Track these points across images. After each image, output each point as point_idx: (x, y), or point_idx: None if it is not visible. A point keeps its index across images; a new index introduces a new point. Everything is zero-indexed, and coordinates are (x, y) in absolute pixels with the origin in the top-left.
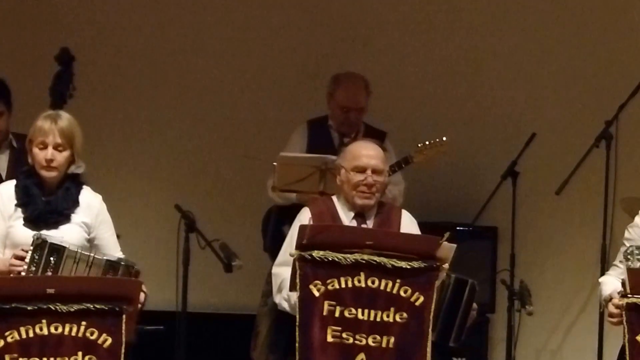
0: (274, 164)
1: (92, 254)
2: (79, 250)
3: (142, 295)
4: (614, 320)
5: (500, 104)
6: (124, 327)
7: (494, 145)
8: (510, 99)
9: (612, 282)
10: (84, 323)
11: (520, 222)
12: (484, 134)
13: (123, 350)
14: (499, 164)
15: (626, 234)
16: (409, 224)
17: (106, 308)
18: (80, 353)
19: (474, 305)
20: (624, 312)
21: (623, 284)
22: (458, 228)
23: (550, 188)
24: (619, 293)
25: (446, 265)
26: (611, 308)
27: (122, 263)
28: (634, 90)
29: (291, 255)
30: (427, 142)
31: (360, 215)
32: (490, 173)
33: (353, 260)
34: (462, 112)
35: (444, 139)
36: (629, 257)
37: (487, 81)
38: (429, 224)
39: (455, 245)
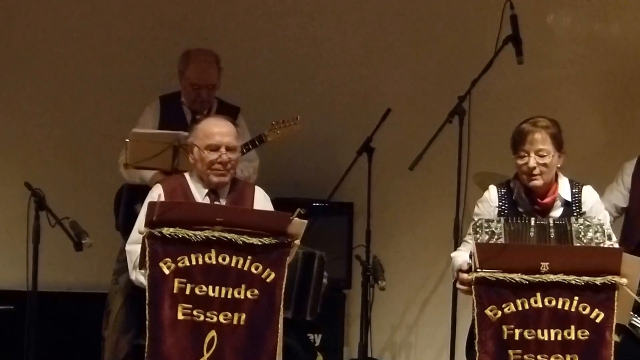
0: (126, 140)
1: None
2: None
3: None
4: (464, 288)
5: (355, 80)
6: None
7: (349, 121)
8: (365, 75)
9: (463, 257)
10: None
11: (376, 197)
12: (339, 110)
13: None
14: (354, 140)
15: (476, 209)
16: (262, 201)
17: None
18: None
19: (325, 273)
20: (472, 287)
21: (471, 257)
22: (314, 204)
23: (405, 164)
24: (467, 264)
25: (297, 242)
26: (463, 276)
27: None
28: (486, 66)
29: (140, 232)
30: (280, 121)
31: (213, 192)
32: (345, 149)
33: (204, 237)
34: (317, 88)
35: (298, 117)
36: (477, 229)
37: (342, 58)
38: (285, 200)
39: (306, 222)
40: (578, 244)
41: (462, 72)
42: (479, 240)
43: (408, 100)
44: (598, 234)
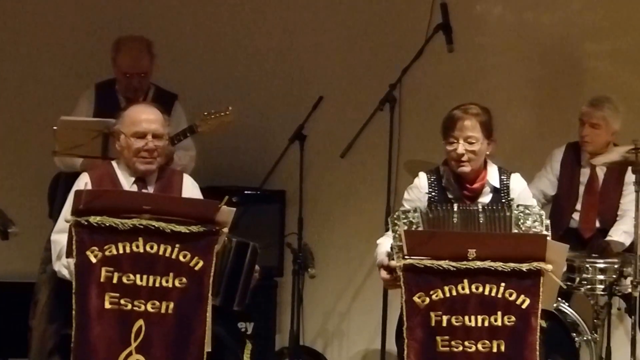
0: (54, 128)
1: None
2: None
3: None
4: (388, 284)
5: (287, 68)
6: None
7: (282, 108)
8: (297, 62)
9: (387, 244)
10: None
11: (308, 185)
12: (271, 98)
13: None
14: (286, 128)
15: (405, 195)
16: (190, 189)
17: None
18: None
19: (257, 267)
20: (401, 273)
21: (392, 248)
22: (246, 192)
23: (337, 151)
24: (388, 256)
25: (226, 229)
26: (382, 274)
27: None
28: (417, 54)
29: (67, 221)
30: (212, 112)
31: (141, 180)
32: (278, 136)
33: (131, 226)
34: (250, 76)
35: (229, 108)
36: (395, 221)
37: (274, 45)
38: (217, 189)
39: (234, 209)
40: (516, 231)
41: (394, 60)
42: (398, 230)
43: (340, 88)
44: (537, 223)
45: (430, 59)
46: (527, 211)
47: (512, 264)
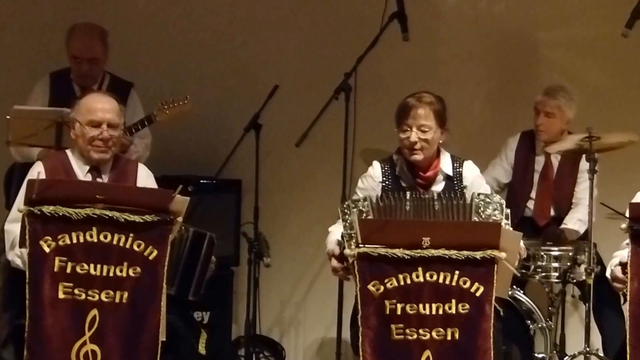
0: (7, 117)
1: None
2: None
3: None
4: (337, 273)
5: (243, 57)
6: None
7: (237, 97)
8: (252, 52)
9: (338, 232)
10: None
11: (264, 174)
12: (227, 87)
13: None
14: (242, 117)
15: (359, 184)
16: (144, 178)
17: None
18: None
19: (213, 258)
20: (355, 262)
21: (342, 237)
22: (202, 181)
23: (293, 140)
24: (339, 245)
25: (180, 219)
26: (333, 262)
27: None
28: (371, 42)
29: (20, 210)
30: (170, 101)
31: (95, 169)
32: (233, 126)
33: (84, 215)
34: (205, 65)
35: (187, 97)
36: (346, 210)
37: (230, 34)
38: (172, 178)
39: (188, 198)
40: (476, 219)
41: (349, 48)
42: (348, 220)
43: (295, 77)
44: (497, 212)
45: (386, 48)
46: (487, 199)
47: (466, 252)
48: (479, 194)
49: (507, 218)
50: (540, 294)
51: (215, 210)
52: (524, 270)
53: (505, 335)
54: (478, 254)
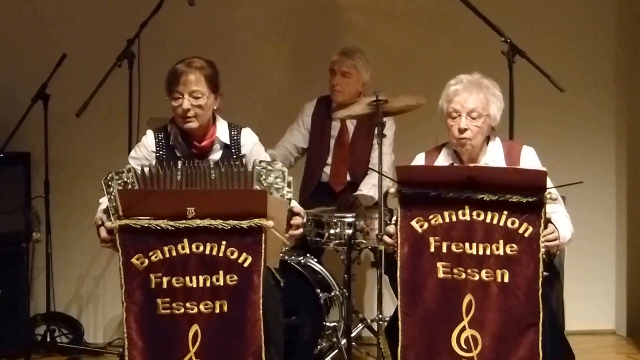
0: None
1: None
2: None
3: None
4: (106, 245)
5: (29, 24)
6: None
7: (24, 67)
8: (40, 19)
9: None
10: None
11: (54, 146)
12: (13, 55)
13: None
14: (29, 87)
15: (132, 153)
16: None
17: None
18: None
19: None
20: (117, 235)
21: (107, 210)
22: None
23: None
24: (104, 212)
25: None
26: (102, 233)
27: None
28: (155, 8)
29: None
30: None
31: None
32: (20, 96)
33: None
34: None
35: None
36: (109, 182)
37: (15, 1)
38: None
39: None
40: (258, 187)
41: (134, 14)
42: (113, 192)
43: (83, 45)
44: (279, 180)
45: (173, 13)
46: (269, 167)
47: (232, 222)
48: (260, 162)
49: (289, 186)
50: (337, 262)
51: (3, 184)
52: (318, 239)
53: (297, 306)
54: (244, 223)
